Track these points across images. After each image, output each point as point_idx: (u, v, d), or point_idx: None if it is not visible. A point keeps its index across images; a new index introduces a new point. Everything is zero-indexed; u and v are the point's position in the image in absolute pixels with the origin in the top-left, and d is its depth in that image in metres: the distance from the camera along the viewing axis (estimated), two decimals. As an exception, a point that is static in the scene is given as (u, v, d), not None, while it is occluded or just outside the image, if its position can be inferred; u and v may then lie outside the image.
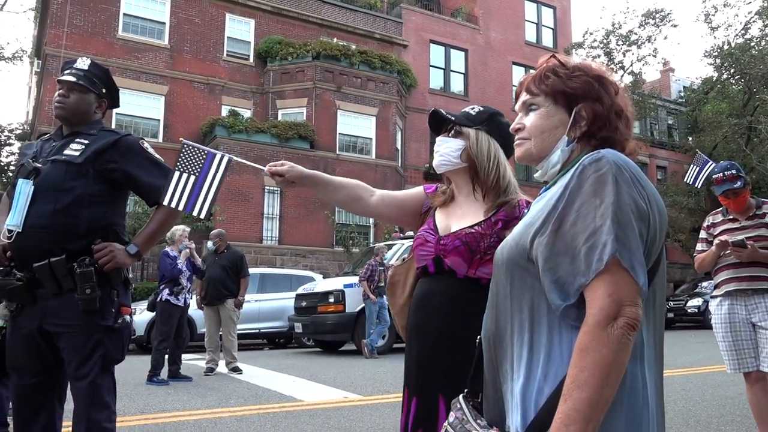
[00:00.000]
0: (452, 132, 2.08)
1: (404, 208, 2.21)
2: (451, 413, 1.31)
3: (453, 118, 2.06)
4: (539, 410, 1.15)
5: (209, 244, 8.63)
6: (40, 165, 2.56)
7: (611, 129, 1.34)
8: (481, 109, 2.12)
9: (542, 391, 1.16)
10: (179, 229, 8.08)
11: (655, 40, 25.43)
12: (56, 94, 2.68)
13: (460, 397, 1.35)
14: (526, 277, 1.24)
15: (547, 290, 1.18)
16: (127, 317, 2.60)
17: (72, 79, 2.66)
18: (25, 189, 2.52)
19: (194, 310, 9.43)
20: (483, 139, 2.04)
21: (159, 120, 19.58)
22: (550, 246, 1.19)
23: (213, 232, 8.87)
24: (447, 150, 2.05)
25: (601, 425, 1.09)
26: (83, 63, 2.73)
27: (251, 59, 21.38)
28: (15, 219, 2.50)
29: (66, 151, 2.57)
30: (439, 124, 2.13)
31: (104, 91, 2.76)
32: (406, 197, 2.23)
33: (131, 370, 8.14)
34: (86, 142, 2.59)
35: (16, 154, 24.38)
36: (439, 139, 2.10)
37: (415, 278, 2.13)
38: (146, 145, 2.71)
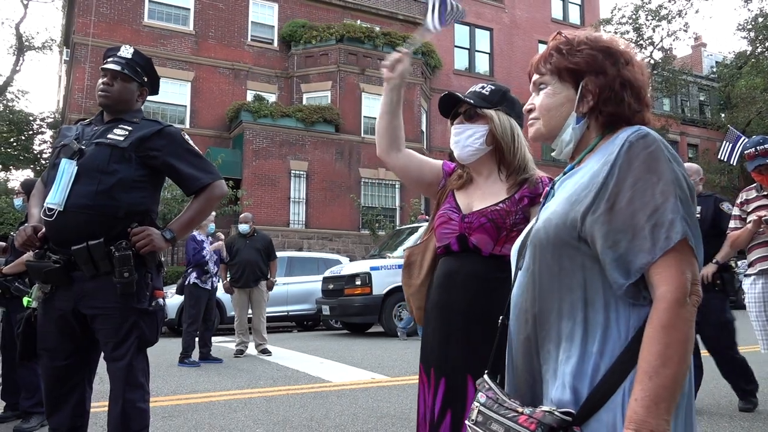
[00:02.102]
0: (469, 116, 2.03)
1: (423, 173, 2.19)
2: (480, 393, 1.29)
3: (472, 101, 2.01)
4: (596, 386, 1.15)
5: (243, 227, 8.65)
6: (83, 147, 2.58)
7: (617, 102, 1.31)
8: (493, 87, 2.07)
9: (598, 368, 1.16)
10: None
11: (686, 14, 24.77)
12: (100, 81, 2.71)
13: (486, 376, 1.34)
14: (576, 256, 1.22)
15: (609, 269, 1.17)
16: (161, 300, 2.67)
17: (116, 67, 2.69)
18: (69, 168, 2.53)
19: (222, 294, 9.53)
20: (504, 119, 2.01)
21: (186, 106, 19.76)
22: (608, 224, 1.17)
23: (245, 215, 8.90)
24: (470, 139, 2.00)
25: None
26: (127, 51, 2.75)
27: (275, 43, 21.39)
28: (57, 197, 2.49)
29: (110, 135, 2.60)
30: (449, 107, 2.08)
31: (146, 79, 2.80)
32: (427, 164, 2.21)
33: (163, 352, 8.30)
34: (129, 128, 2.63)
35: (51, 140, 24.82)
36: (457, 128, 2.04)
37: (433, 258, 2.11)
38: (187, 136, 2.75)
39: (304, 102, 20.47)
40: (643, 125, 1.28)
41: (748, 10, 28.38)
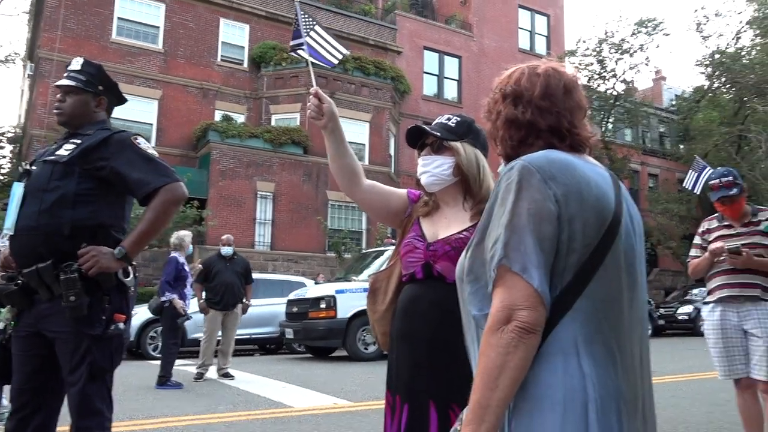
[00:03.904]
0: (436, 148, 2.06)
1: (389, 203, 2.20)
2: (456, 424, 1.28)
3: (439, 134, 2.04)
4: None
5: (227, 249, 8.57)
6: (32, 167, 2.53)
7: (516, 132, 1.36)
8: (459, 119, 2.11)
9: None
10: (187, 235, 8.05)
11: (647, 48, 25.53)
12: (55, 100, 2.65)
13: (466, 409, 1.33)
14: (464, 292, 1.30)
15: (468, 301, 1.24)
16: (121, 324, 2.49)
17: (66, 82, 2.62)
18: (17, 191, 2.50)
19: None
20: (470, 151, 2.04)
21: (152, 124, 19.49)
22: (472, 258, 1.24)
23: (227, 237, 8.84)
24: (438, 169, 2.03)
25: (533, 420, 1.11)
26: (76, 63, 2.68)
27: (245, 64, 21.36)
28: (9, 221, 2.49)
29: (58, 152, 2.52)
30: (416, 138, 2.11)
31: (100, 88, 2.69)
32: (392, 194, 2.23)
33: (118, 375, 8.04)
34: (79, 141, 2.53)
35: (10, 155, 24.16)
36: (424, 158, 2.07)
37: (397, 285, 2.11)
38: (140, 140, 2.58)
39: (273, 123, 20.42)
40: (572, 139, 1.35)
41: (706, 46, 29.52)
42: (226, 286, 8.36)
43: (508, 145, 1.37)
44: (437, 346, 1.90)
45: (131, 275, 2.53)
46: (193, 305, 8.41)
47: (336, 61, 2.59)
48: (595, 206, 1.21)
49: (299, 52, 2.79)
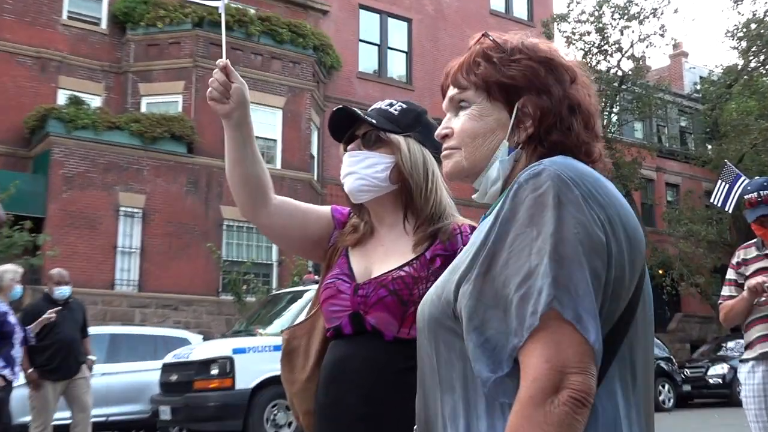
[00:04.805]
0: (369, 141, 2.08)
1: (306, 229, 2.20)
2: None
3: (373, 121, 2.06)
4: None
5: (63, 290, 8.32)
6: None
7: (563, 130, 1.38)
8: (405, 106, 2.13)
9: None
10: (9, 272, 7.78)
11: (662, 13, 26.39)
12: None
13: None
14: (454, 342, 1.26)
15: (472, 358, 1.20)
16: None
17: None
18: None
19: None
20: (416, 150, 2.07)
21: (-38, 109, 18.94)
22: (476, 296, 1.22)
23: (60, 272, 8.63)
24: (369, 170, 2.04)
25: None
26: None
27: (103, 24, 21.07)
28: None
29: None
30: (344, 127, 2.13)
31: None
32: (311, 215, 2.23)
33: None
34: None
35: None
36: (352, 155, 2.09)
37: (322, 342, 2.12)
38: None
39: (144, 109, 20.17)
40: (590, 160, 1.35)
41: (739, 13, 30.68)
42: (66, 344, 8.22)
43: (579, 141, 1.39)
44: (373, 425, 1.91)
45: None
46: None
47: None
48: (635, 237, 1.25)
49: None
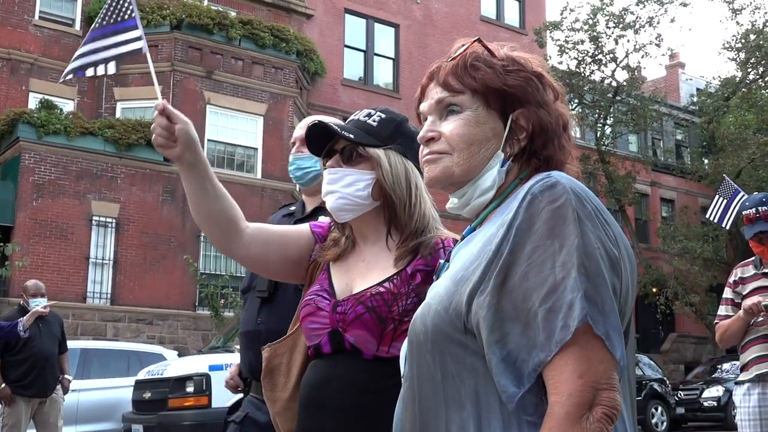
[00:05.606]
0: (347, 157, 2.07)
1: (286, 252, 2.20)
2: None
3: (351, 136, 2.04)
4: None
5: (39, 302, 8.24)
6: None
7: (558, 146, 1.41)
8: (383, 116, 2.13)
9: None
10: None
11: (658, 23, 26.50)
12: None
13: None
14: (464, 357, 1.26)
15: (496, 372, 1.20)
16: None
17: None
18: None
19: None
20: (397, 163, 2.07)
21: (-72, 111, 18.84)
22: (494, 309, 1.22)
23: (35, 283, 8.59)
24: (349, 188, 2.03)
25: None
26: None
27: (77, 25, 21.05)
28: None
29: None
30: (321, 142, 2.11)
31: None
32: (289, 237, 2.23)
33: None
34: None
35: None
36: (331, 172, 2.07)
37: (304, 360, 2.13)
38: None
39: (119, 115, 20.13)
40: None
41: (737, 23, 30.91)
42: (43, 359, 8.14)
43: (565, 156, 1.44)
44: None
45: None
46: None
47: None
48: (632, 258, 1.29)
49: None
